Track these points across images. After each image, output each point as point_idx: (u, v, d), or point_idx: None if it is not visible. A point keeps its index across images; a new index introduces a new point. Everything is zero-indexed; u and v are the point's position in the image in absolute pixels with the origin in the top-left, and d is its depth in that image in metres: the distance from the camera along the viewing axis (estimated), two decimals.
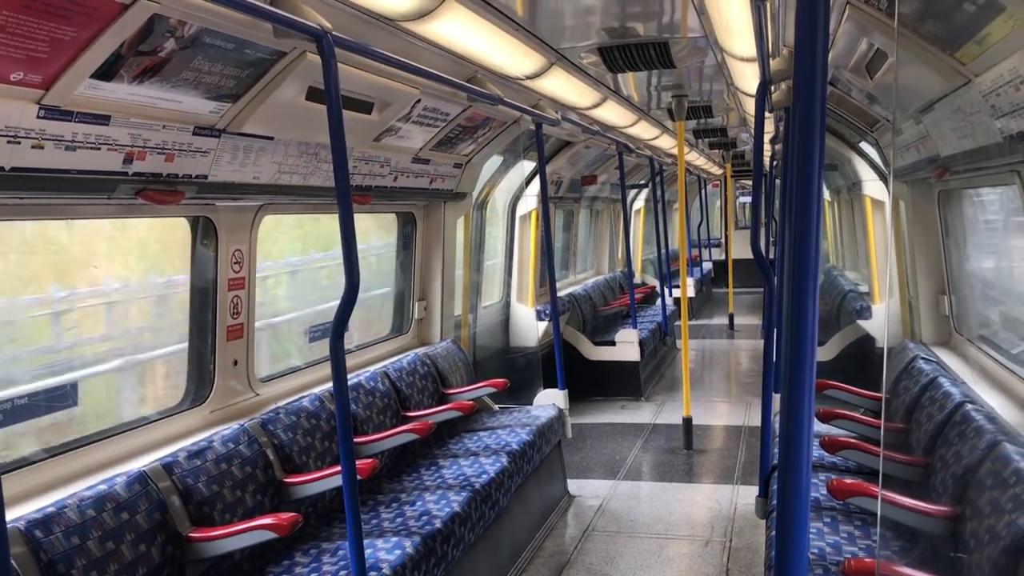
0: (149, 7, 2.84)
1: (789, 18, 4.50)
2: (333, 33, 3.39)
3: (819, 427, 5.40)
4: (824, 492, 4.55)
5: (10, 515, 3.09)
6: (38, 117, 2.92)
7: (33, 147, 2.97)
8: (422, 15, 3.92)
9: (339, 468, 4.03)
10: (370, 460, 4.36)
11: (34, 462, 3.64)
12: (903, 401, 5.32)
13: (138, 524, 3.53)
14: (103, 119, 3.18)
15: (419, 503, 4.80)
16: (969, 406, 4.34)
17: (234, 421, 4.55)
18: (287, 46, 3.59)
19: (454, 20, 4.13)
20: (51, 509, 3.27)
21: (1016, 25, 2.73)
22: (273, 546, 4.25)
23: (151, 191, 3.61)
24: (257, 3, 3.03)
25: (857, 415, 5.33)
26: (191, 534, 3.79)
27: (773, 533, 4.20)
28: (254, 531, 3.78)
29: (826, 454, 4.99)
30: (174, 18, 2.99)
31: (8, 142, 2.87)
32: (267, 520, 3.80)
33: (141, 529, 3.54)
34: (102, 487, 3.53)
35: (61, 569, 3.14)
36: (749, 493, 6.73)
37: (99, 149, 3.24)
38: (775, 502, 4.76)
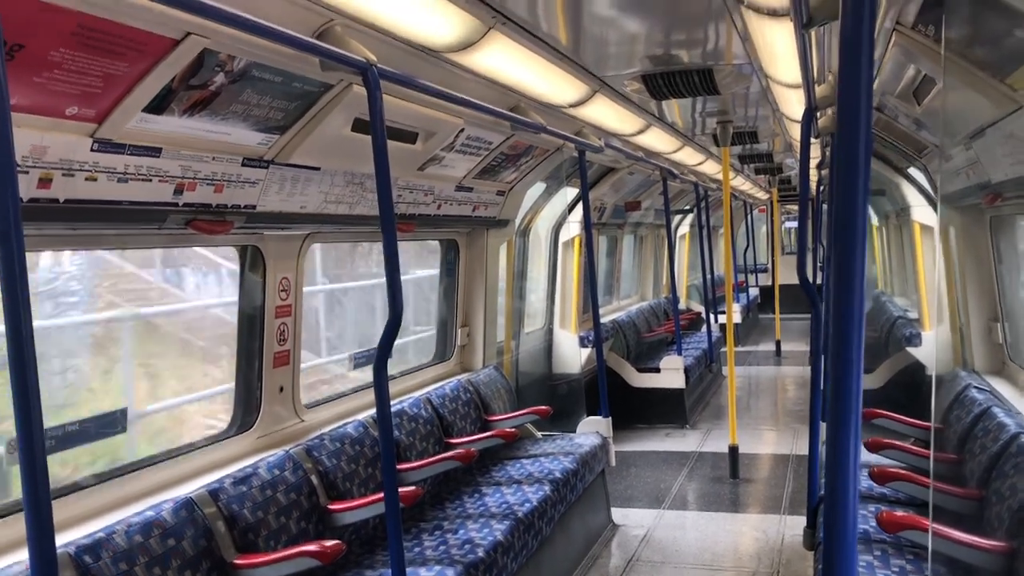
0: (200, 42, 2.91)
1: (834, 44, 4.47)
2: (378, 66, 3.44)
3: (868, 457, 5.29)
4: (873, 524, 4.45)
5: (61, 540, 3.15)
6: (92, 150, 3.00)
7: (87, 179, 3.05)
8: (466, 46, 3.97)
9: (382, 495, 4.04)
10: (413, 488, 4.36)
11: (85, 487, 3.71)
12: (955, 431, 5.19)
13: (184, 550, 3.57)
14: (154, 151, 3.25)
15: (462, 531, 4.78)
16: None
17: (279, 447, 4.59)
18: (334, 79, 3.65)
19: (498, 51, 4.17)
20: (100, 535, 3.32)
21: None
22: (316, 573, 4.27)
23: (200, 221, 3.68)
24: (304, 37, 3.09)
25: (907, 445, 5.21)
26: (236, 560, 3.82)
27: (820, 566, 4.12)
28: (298, 558, 3.80)
29: (875, 485, 4.89)
30: (224, 53, 3.06)
31: (63, 175, 2.95)
32: (311, 547, 3.82)
33: (187, 555, 3.57)
34: (149, 513, 3.57)
35: None
36: (797, 524, 6.61)
37: (150, 180, 3.32)
38: (823, 534, 4.67)
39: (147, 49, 2.81)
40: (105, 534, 3.33)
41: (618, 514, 7.05)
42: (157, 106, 3.08)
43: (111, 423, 3.83)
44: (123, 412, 3.88)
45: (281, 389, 4.83)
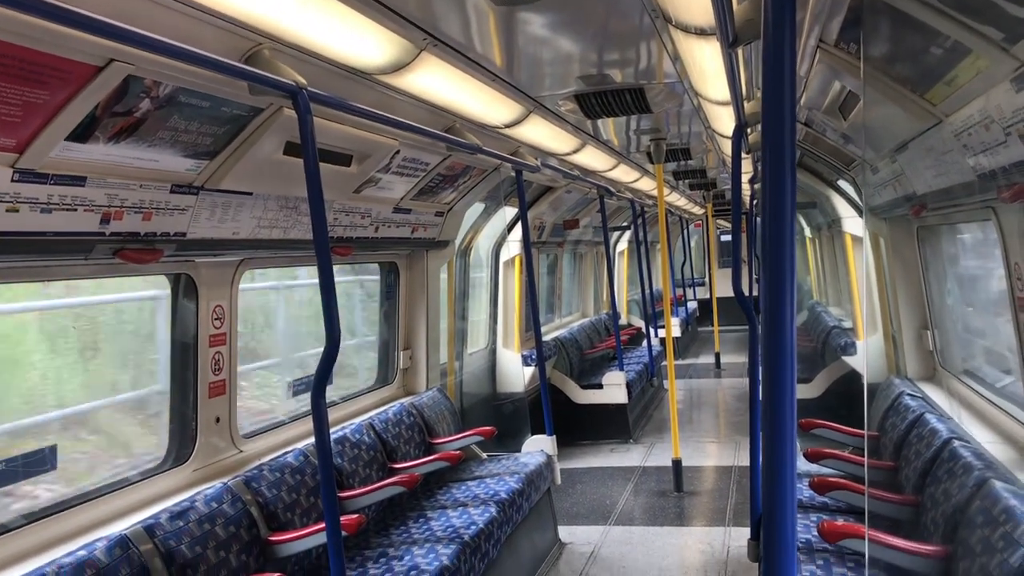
0: (124, 68, 2.85)
1: (761, 62, 4.55)
2: (308, 89, 3.40)
3: (809, 467, 5.37)
4: (815, 534, 4.51)
5: None
6: (12, 180, 2.91)
7: (7, 210, 2.95)
8: (397, 68, 3.95)
9: (324, 524, 3.97)
10: (356, 516, 4.29)
11: (12, 529, 3.57)
12: (891, 438, 5.30)
13: None
14: (79, 180, 3.16)
15: (407, 557, 4.72)
16: (956, 443, 4.33)
17: (217, 479, 4.48)
18: (263, 102, 3.60)
19: (431, 72, 4.16)
20: None
21: (982, 67, 2.77)
22: None
23: (129, 250, 3.59)
24: (232, 62, 3.05)
25: (845, 454, 5.31)
26: None
27: None
28: None
29: (816, 495, 4.95)
30: (149, 78, 3.00)
31: None
32: None
33: None
34: (82, 553, 3.45)
35: None
36: (741, 535, 6.68)
37: (75, 210, 3.22)
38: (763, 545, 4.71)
39: (69, 76, 2.74)
40: None
41: (565, 532, 7.04)
42: (81, 134, 3.00)
43: (39, 461, 3.71)
44: (52, 449, 3.75)
45: (218, 420, 4.73)
